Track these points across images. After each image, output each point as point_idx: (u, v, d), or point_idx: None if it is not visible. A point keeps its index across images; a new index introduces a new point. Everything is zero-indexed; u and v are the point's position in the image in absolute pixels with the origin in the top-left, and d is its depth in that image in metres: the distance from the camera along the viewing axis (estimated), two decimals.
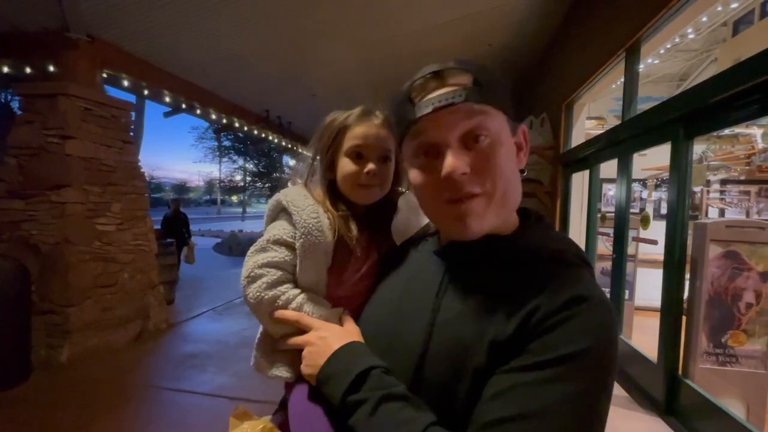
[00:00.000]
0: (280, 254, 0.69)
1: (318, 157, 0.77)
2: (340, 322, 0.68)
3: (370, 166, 0.72)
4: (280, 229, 0.71)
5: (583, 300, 0.48)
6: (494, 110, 0.53)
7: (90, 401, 2.95)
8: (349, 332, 0.65)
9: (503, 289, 0.52)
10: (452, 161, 0.51)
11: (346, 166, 0.72)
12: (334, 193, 0.75)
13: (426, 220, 0.72)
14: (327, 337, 0.63)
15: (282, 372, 0.71)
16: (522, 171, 0.58)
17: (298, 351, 0.66)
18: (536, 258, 0.54)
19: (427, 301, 0.57)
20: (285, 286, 0.69)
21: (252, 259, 0.70)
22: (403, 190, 0.80)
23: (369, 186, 0.73)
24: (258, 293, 0.68)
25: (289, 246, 0.70)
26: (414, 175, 0.57)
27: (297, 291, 0.69)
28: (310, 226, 0.68)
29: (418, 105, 0.53)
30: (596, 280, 0.55)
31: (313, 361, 0.61)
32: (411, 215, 0.74)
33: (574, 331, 0.46)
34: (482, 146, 0.52)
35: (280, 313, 0.68)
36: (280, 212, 0.73)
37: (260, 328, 0.75)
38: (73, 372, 3.38)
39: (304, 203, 0.71)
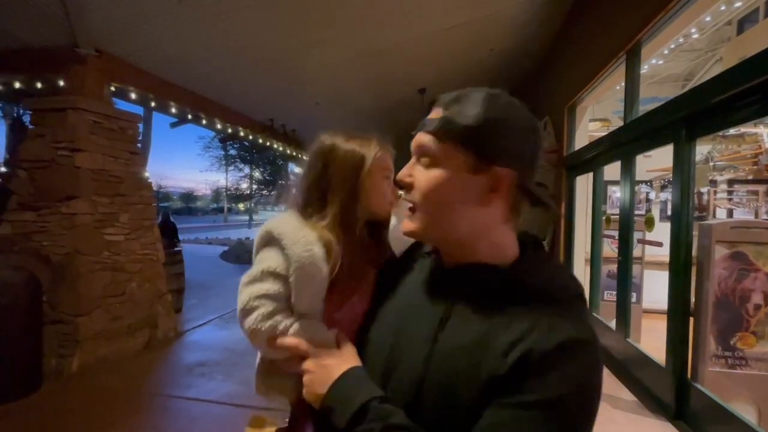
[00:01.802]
0: (274, 286, 0.71)
1: (332, 184, 0.77)
2: (337, 344, 0.70)
3: (398, 189, 0.78)
4: (274, 260, 0.72)
5: (577, 343, 0.51)
6: (444, 143, 0.59)
7: (100, 410, 2.98)
8: (346, 357, 0.67)
9: (500, 325, 0.55)
10: (402, 170, 0.64)
11: (384, 190, 0.80)
12: (345, 218, 0.76)
13: None
14: (326, 365, 0.66)
15: (281, 395, 0.74)
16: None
17: (297, 375, 0.69)
18: (534, 293, 0.56)
19: (427, 331, 0.60)
20: (280, 315, 0.71)
21: (247, 291, 0.71)
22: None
23: (395, 205, 0.82)
24: (255, 325, 0.69)
25: (283, 278, 0.71)
26: None
27: (292, 319, 0.71)
28: (304, 260, 0.69)
29: None
30: (588, 316, 0.59)
31: (314, 389, 0.64)
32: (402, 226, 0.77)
33: (565, 374, 0.49)
34: (421, 164, 0.62)
35: (280, 341, 0.70)
36: (272, 241, 0.73)
37: (258, 353, 0.77)
38: (83, 381, 3.41)
39: (297, 236, 0.71)
